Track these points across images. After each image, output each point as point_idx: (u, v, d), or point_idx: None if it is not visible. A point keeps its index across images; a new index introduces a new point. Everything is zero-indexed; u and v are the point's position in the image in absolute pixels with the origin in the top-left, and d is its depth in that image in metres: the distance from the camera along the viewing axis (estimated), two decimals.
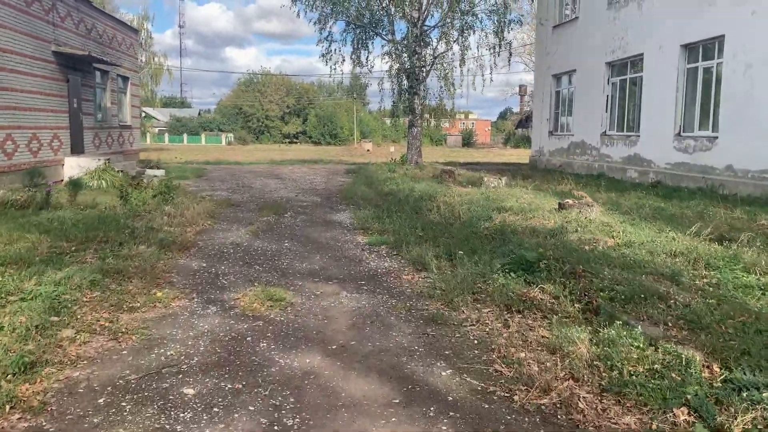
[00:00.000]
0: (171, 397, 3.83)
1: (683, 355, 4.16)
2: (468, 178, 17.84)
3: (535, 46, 28.19)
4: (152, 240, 8.34)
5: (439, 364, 4.41)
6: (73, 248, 7.82)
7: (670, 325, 4.93)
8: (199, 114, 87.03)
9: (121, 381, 4.05)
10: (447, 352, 4.63)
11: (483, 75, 24.20)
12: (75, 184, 12.32)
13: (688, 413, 3.52)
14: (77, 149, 18.12)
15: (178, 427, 3.45)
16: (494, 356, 4.52)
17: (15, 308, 5.13)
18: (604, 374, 4.05)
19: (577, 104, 23.04)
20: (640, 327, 4.69)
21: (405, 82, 24.25)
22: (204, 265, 7.47)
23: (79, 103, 18.32)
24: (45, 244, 7.86)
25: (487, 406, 3.77)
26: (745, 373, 3.86)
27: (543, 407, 3.73)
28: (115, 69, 21.51)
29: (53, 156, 16.44)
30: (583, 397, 3.79)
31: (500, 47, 23.43)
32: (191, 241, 8.89)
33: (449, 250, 7.65)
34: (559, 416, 3.62)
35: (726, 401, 3.57)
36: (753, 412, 3.40)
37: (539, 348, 4.62)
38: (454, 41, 23.77)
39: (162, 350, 4.61)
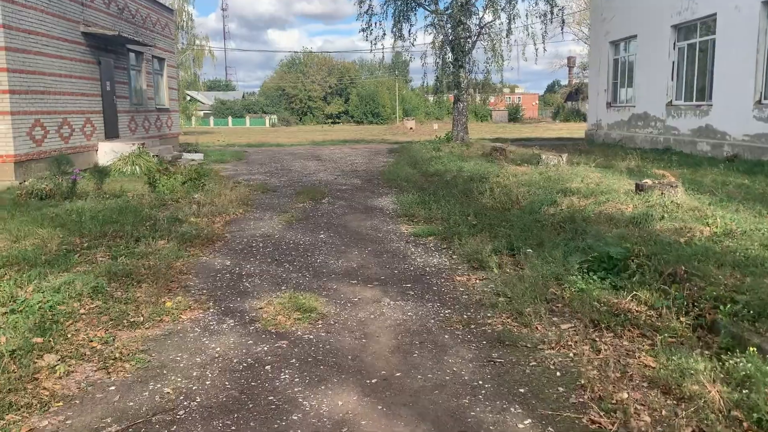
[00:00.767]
0: None
1: None
2: (521, 155, 16.46)
3: (590, 12, 26.29)
4: (174, 234, 7.47)
5: (513, 409, 3.32)
6: (86, 245, 7.01)
7: None
8: (243, 97, 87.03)
9: None
10: (522, 390, 3.53)
11: (535, 44, 22.53)
12: (101, 172, 11.59)
13: None
14: (112, 134, 17.53)
15: None
16: (586, 397, 3.39)
17: None
18: None
19: (638, 73, 21.20)
20: None
21: (449, 54, 22.82)
22: (228, 263, 6.53)
23: (112, 86, 17.69)
24: (55, 241, 7.09)
25: None
26: None
27: None
28: (150, 50, 20.83)
29: (86, 141, 15.85)
30: None
31: (552, 14, 21.74)
32: (218, 233, 7.98)
33: (510, 243, 6.50)
34: None
35: None
36: None
37: (645, 384, 3.48)
38: (502, 9, 22.16)
39: (158, 385, 3.65)
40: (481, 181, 11.14)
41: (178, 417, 3.28)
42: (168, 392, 3.56)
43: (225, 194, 10.59)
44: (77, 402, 3.46)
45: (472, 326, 4.54)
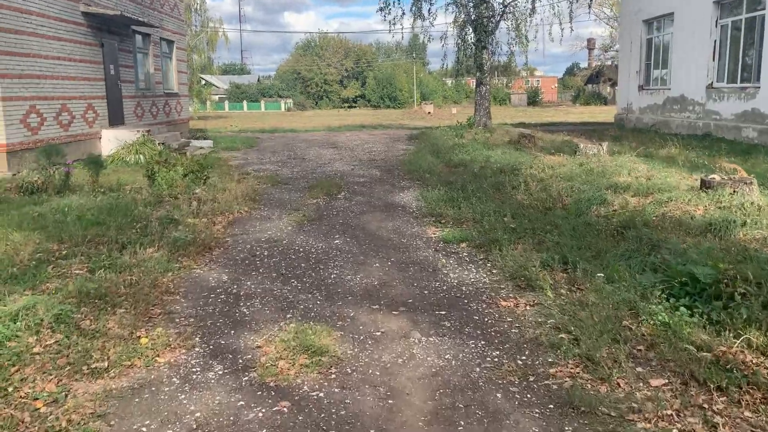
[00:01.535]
0: None
1: None
2: (551, 142, 15.28)
3: None
4: (166, 239, 6.48)
5: None
6: (64, 252, 6.04)
7: None
8: (258, 80, 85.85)
9: None
10: None
11: (561, 24, 21.16)
12: (97, 162, 10.65)
13: None
14: (116, 121, 16.58)
15: None
16: None
17: None
18: None
19: (674, 53, 19.77)
20: None
21: (471, 34, 21.52)
22: (225, 278, 5.53)
23: (116, 69, 16.72)
24: (30, 248, 6.13)
25: None
26: None
27: None
28: (158, 32, 19.81)
29: (88, 129, 14.93)
30: None
31: None
32: (218, 237, 6.98)
33: (562, 255, 5.42)
34: None
35: None
36: None
37: None
38: None
39: None
40: (513, 173, 10.03)
41: None
42: None
43: (230, 188, 9.59)
44: None
45: (531, 379, 3.48)
